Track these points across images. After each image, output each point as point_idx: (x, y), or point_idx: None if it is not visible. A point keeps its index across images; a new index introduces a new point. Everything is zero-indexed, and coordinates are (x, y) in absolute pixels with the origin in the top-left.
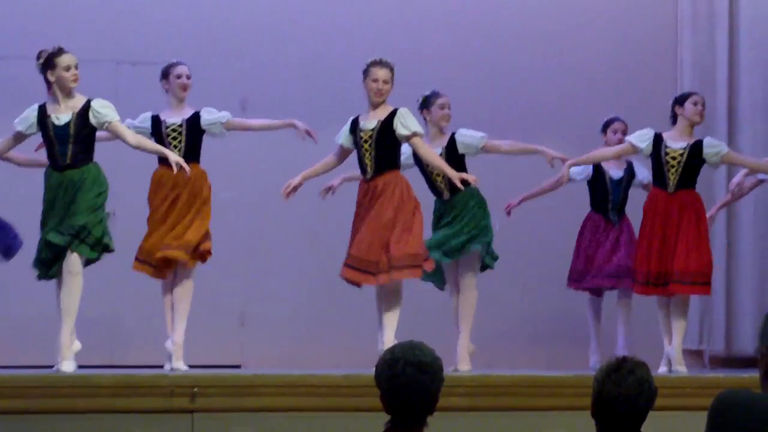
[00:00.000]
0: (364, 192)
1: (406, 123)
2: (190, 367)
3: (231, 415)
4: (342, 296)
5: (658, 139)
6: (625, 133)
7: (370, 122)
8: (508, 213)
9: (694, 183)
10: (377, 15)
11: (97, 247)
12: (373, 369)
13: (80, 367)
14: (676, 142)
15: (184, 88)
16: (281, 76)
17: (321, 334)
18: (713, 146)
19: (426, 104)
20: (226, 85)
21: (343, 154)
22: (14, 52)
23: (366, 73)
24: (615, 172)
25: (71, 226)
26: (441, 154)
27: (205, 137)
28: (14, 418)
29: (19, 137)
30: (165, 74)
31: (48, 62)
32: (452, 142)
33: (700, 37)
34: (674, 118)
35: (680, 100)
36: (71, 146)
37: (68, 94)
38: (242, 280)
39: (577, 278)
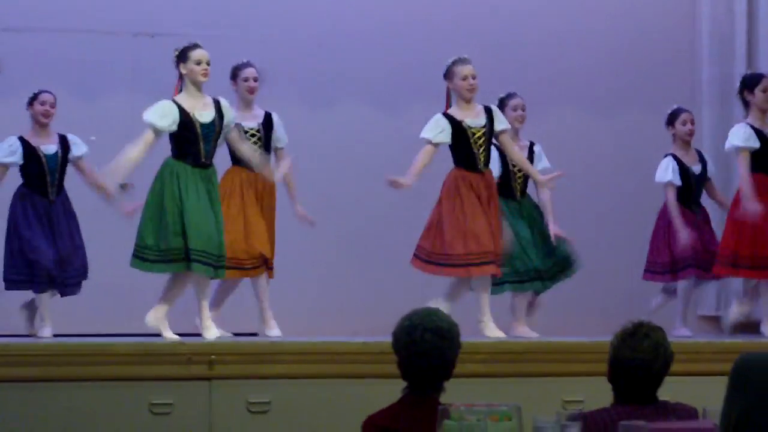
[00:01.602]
0: (484, 185)
1: (501, 119)
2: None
3: (248, 383)
4: (359, 264)
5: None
6: (693, 122)
7: (475, 120)
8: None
9: None
10: None
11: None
12: (391, 336)
13: (98, 335)
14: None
15: (251, 91)
16: (297, 47)
17: (338, 302)
18: None
19: (500, 106)
20: (245, 56)
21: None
22: (31, 25)
23: (451, 73)
24: (695, 166)
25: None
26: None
27: None
28: (32, 386)
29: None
30: (233, 75)
31: (181, 55)
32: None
33: (718, 6)
34: (746, 104)
35: (749, 86)
36: (213, 144)
37: (199, 88)
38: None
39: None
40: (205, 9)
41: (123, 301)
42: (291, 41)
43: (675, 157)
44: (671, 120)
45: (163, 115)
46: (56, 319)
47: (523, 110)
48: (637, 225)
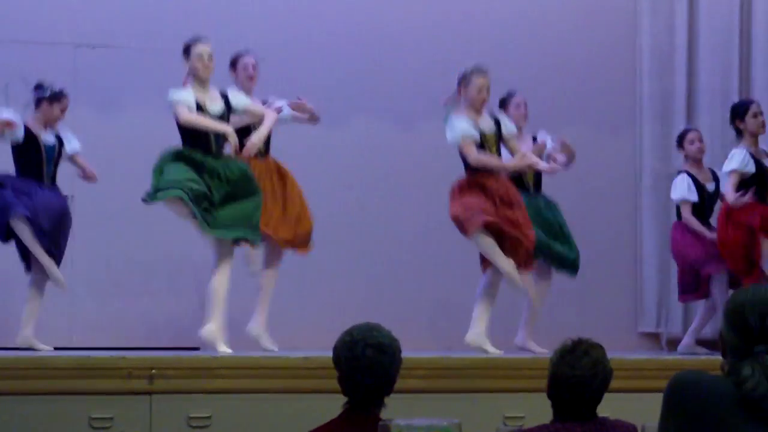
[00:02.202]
0: (501, 188)
1: (509, 124)
2: (148, 349)
3: (189, 397)
4: (301, 278)
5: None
6: (701, 140)
7: (488, 126)
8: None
9: None
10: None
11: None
12: (332, 351)
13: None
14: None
15: (251, 78)
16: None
17: (280, 317)
18: None
19: (503, 105)
20: (183, 67)
21: None
22: None
23: (467, 80)
24: (709, 185)
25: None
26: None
27: None
28: None
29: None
30: (232, 64)
31: (185, 50)
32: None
33: (658, 21)
34: (738, 132)
35: (740, 114)
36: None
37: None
38: (201, 262)
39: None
40: (147, 21)
41: (62, 316)
42: (228, 53)
43: (689, 174)
44: (680, 141)
45: (190, 100)
46: None
47: (526, 107)
48: (589, 235)
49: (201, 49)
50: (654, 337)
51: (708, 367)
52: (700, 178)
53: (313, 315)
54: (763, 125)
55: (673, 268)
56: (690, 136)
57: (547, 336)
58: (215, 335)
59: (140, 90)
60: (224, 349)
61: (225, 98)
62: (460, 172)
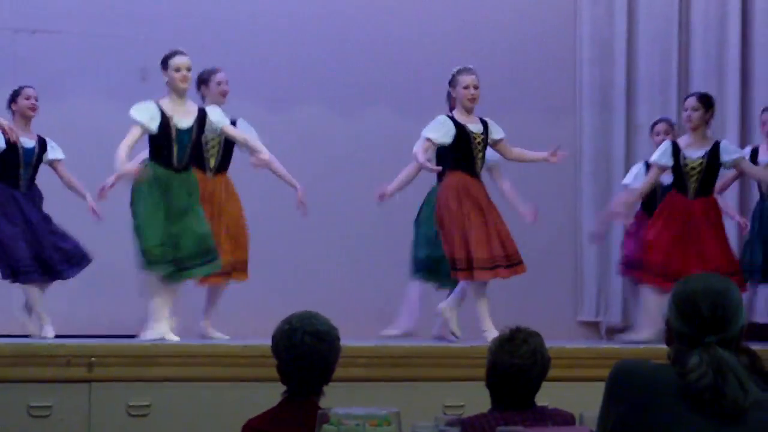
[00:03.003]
0: (475, 188)
1: (497, 129)
2: (87, 337)
3: (128, 385)
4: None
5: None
6: (667, 133)
7: (476, 125)
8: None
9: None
10: None
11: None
12: (270, 339)
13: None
14: (692, 152)
15: (224, 94)
16: (181, 46)
17: (221, 306)
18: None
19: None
20: (126, 54)
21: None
22: None
23: (455, 81)
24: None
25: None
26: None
27: None
28: None
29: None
30: (203, 81)
31: (162, 63)
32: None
33: (598, 9)
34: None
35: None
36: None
37: (181, 95)
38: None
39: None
40: (87, 6)
41: (1, 302)
42: (173, 40)
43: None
44: (651, 130)
45: (151, 118)
46: None
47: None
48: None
49: (179, 61)
50: (593, 326)
51: (647, 357)
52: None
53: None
54: (688, 119)
55: (614, 257)
56: (657, 128)
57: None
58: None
59: (81, 75)
60: (172, 337)
61: (201, 115)
62: None
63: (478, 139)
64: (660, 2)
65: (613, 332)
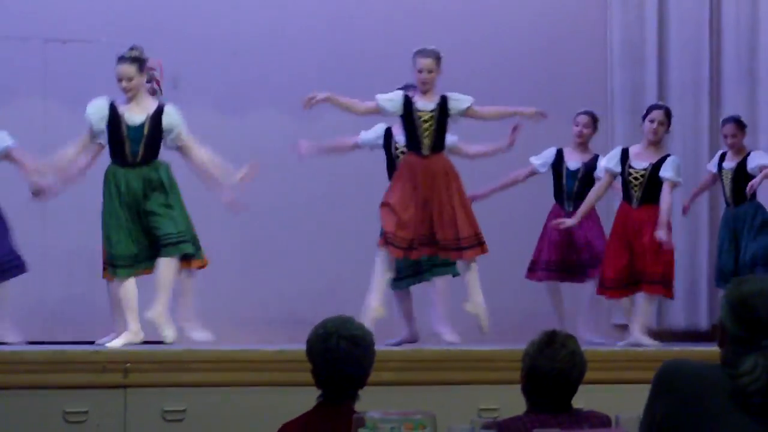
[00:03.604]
0: (425, 170)
1: (459, 98)
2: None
3: (164, 390)
4: (271, 272)
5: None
6: (587, 126)
7: (427, 104)
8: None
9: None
10: None
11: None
12: (305, 344)
13: (10, 343)
14: (639, 162)
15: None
16: (213, 54)
17: (253, 310)
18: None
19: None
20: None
21: (373, 112)
22: None
23: (412, 62)
24: (573, 163)
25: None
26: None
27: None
28: None
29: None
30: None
31: None
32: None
33: (629, 13)
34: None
35: (644, 116)
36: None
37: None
38: None
39: (532, 268)
40: (118, 16)
41: (36, 310)
42: (204, 48)
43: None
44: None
45: (94, 116)
46: None
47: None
48: None
49: (117, 71)
50: (628, 328)
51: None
52: (567, 155)
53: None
54: (653, 131)
55: None
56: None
57: (527, 327)
58: (161, 319)
59: (112, 85)
60: (169, 333)
61: (158, 114)
62: None
63: (425, 117)
64: (691, 6)
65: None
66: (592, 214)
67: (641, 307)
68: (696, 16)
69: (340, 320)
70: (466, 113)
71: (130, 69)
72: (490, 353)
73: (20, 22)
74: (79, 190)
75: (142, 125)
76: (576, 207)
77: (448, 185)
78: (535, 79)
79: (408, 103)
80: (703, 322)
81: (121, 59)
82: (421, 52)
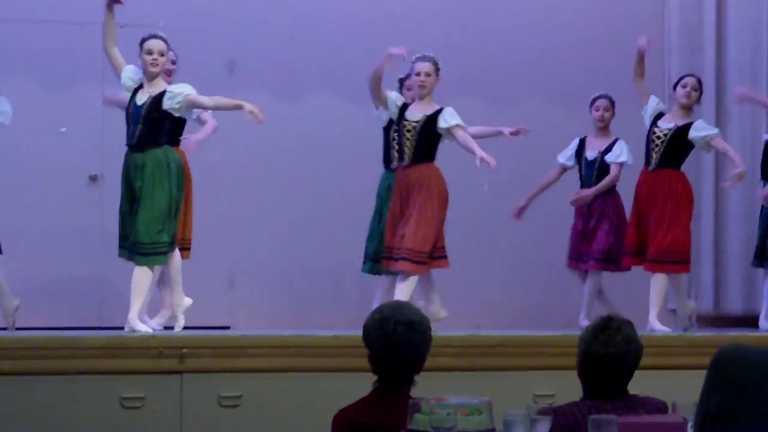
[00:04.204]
0: (398, 179)
1: (447, 117)
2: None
3: (220, 376)
4: (329, 257)
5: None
6: (607, 110)
7: (416, 114)
8: (519, 215)
9: (678, 163)
10: None
11: None
12: (361, 329)
13: (69, 328)
14: (666, 123)
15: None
16: (269, 38)
17: (309, 295)
18: (700, 129)
19: (400, 86)
20: (214, 47)
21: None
22: (2, 16)
23: (411, 68)
24: (590, 153)
25: None
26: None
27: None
28: (3, 380)
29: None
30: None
31: (139, 45)
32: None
33: None
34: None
35: (675, 84)
36: (140, 127)
37: (150, 78)
38: (231, 242)
39: (571, 256)
40: (175, 0)
41: (93, 295)
42: (261, 33)
43: None
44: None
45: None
46: (23, 312)
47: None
48: None
49: (151, 44)
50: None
51: (741, 343)
52: (587, 145)
53: (268, 293)
54: (687, 95)
55: (703, 246)
56: (597, 103)
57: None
58: (133, 322)
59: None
60: (143, 327)
61: (160, 95)
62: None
63: (408, 127)
64: None
65: (704, 320)
66: (612, 208)
67: (651, 289)
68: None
69: (397, 305)
70: (448, 132)
71: (162, 45)
72: (545, 339)
73: (78, 8)
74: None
75: (142, 105)
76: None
77: (416, 197)
78: (593, 65)
79: (402, 109)
80: (760, 307)
81: (153, 36)
82: (421, 57)
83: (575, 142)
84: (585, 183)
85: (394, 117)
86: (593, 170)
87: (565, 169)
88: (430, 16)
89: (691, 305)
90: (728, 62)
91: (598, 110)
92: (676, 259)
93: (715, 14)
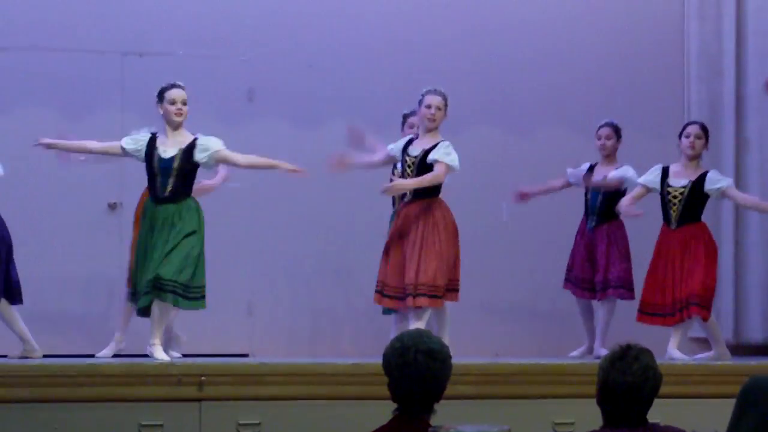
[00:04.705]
0: (401, 214)
1: (438, 153)
2: (198, 356)
3: (238, 404)
4: (348, 286)
5: (664, 174)
6: (609, 138)
7: (416, 149)
8: (519, 199)
9: (699, 216)
10: (380, 6)
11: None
12: (381, 357)
13: (87, 356)
14: (678, 179)
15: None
16: (288, 66)
17: (328, 324)
18: (715, 182)
19: (403, 122)
20: (233, 75)
21: (388, 161)
22: (20, 43)
23: (420, 101)
24: (597, 178)
25: None
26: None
27: None
28: (21, 407)
29: (122, 153)
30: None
31: (158, 95)
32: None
33: (706, 25)
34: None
35: (680, 134)
36: (172, 180)
37: (175, 128)
38: (250, 269)
39: (579, 286)
40: (193, 29)
41: (112, 322)
42: (280, 61)
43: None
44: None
45: (135, 140)
46: (45, 340)
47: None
48: (636, 237)
49: (175, 94)
50: (704, 342)
51: (760, 373)
52: (596, 170)
53: (287, 321)
54: (691, 146)
55: (725, 274)
56: (600, 132)
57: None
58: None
59: (189, 97)
60: (162, 356)
61: (190, 147)
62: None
63: (408, 162)
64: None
65: None
66: (619, 236)
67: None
68: None
69: (417, 333)
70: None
71: (184, 94)
72: (565, 366)
73: (98, 36)
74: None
75: (173, 158)
76: (598, 222)
77: (416, 230)
78: (612, 92)
79: (407, 144)
80: None
81: (174, 85)
82: (431, 91)
83: (585, 166)
84: (588, 208)
85: (399, 155)
86: (598, 195)
87: (569, 184)
88: (447, 45)
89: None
90: (748, 90)
91: (599, 139)
92: (702, 304)
93: (734, 42)
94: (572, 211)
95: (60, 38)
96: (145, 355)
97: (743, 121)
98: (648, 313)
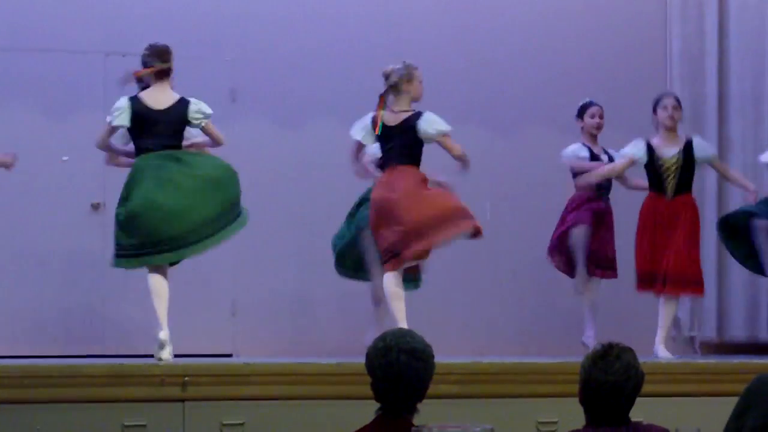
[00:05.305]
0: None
1: (429, 123)
2: (182, 356)
3: (222, 404)
4: (332, 285)
5: (649, 148)
6: (602, 117)
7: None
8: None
9: (690, 186)
10: (363, 7)
11: None
12: (364, 357)
13: (70, 356)
14: (668, 149)
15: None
16: (271, 67)
17: (312, 323)
18: (704, 148)
19: (579, 113)
20: (216, 75)
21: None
22: (1, 44)
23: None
24: (602, 157)
25: None
26: None
27: None
28: (4, 408)
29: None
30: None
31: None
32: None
33: (689, 26)
34: (656, 124)
35: (654, 107)
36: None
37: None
38: (233, 269)
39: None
40: (176, 29)
41: (94, 323)
42: (262, 61)
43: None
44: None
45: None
46: (25, 340)
47: (601, 117)
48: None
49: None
50: (687, 340)
51: (742, 372)
52: (598, 151)
53: (271, 320)
54: (671, 117)
55: (708, 271)
56: (592, 110)
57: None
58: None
59: None
60: (164, 356)
61: (183, 101)
62: None
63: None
64: (751, 18)
65: (707, 347)
66: (606, 221)
67: (661, 311)
68: (756, 27)
69: (400, 333)
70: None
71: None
72: (549, 366)
73: (81, 37)
74: None
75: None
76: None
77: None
78: (596, 92)
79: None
80: (764, 334)
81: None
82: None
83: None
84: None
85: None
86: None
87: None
88: (431, 45)
89: None
90: (730, 90)
91: (593, 117)
92: (695, 281)
93: (717, 43)
94: (554, 209)
95: (43, 38)
96: (129, 356)
97: (726, 122)
98: (647, 281)
